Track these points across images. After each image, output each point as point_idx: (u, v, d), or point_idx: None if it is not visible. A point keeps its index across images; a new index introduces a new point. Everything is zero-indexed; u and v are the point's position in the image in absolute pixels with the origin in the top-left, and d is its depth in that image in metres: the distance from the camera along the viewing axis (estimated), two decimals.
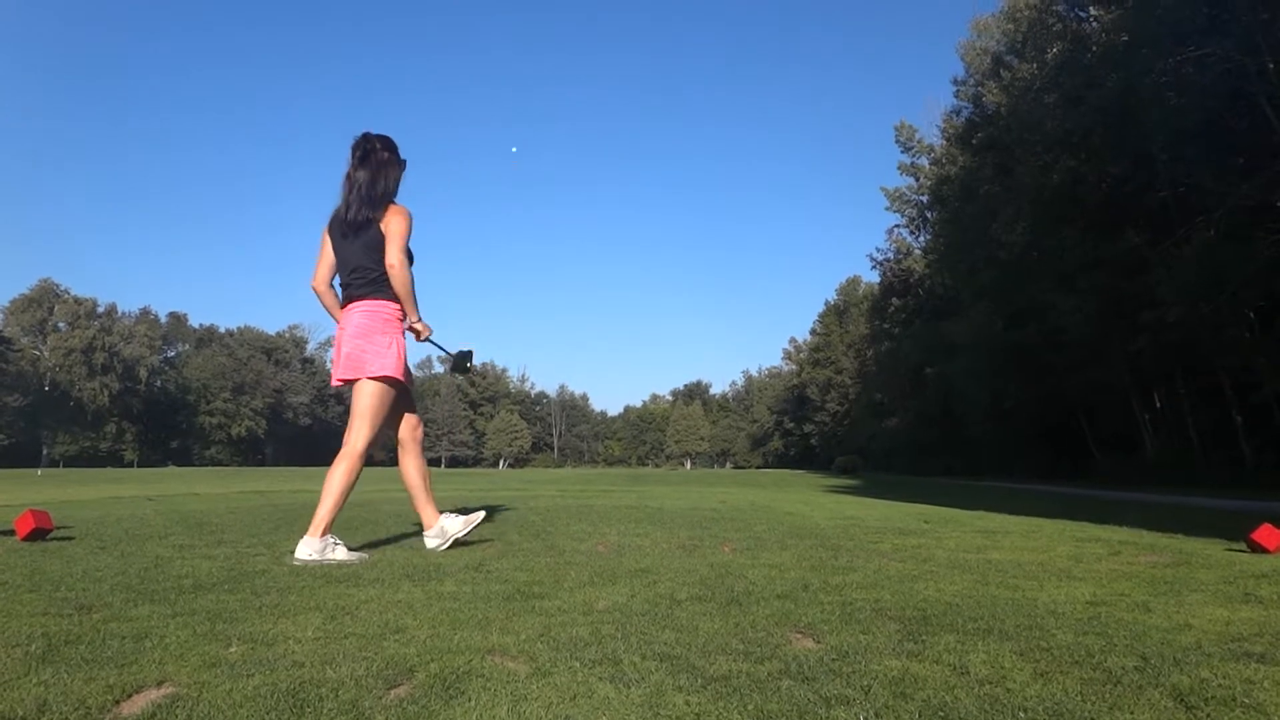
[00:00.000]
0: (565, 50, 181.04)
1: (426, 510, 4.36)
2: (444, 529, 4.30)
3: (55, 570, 3.50)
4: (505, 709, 1.73)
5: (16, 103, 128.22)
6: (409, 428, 4.41)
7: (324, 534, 3.93)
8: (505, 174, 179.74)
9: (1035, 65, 30.20)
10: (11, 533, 4.76)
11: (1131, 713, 1.72)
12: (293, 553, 3.92)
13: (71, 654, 2.12)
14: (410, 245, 4.21)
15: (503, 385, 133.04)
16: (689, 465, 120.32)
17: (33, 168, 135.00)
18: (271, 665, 2.03)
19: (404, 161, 4.32)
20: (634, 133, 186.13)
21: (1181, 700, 1.79)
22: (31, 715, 1.67)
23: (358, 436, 4.09)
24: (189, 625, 2.46)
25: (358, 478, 4.10)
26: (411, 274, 4.21)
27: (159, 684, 1.88)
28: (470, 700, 1.78)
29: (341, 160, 4.26)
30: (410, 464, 4.37)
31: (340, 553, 3.91)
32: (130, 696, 1.81)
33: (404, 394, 4.31)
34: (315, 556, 3.84)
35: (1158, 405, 29.46)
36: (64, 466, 76.42)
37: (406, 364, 4.28)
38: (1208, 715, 1.71)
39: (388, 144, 4.30)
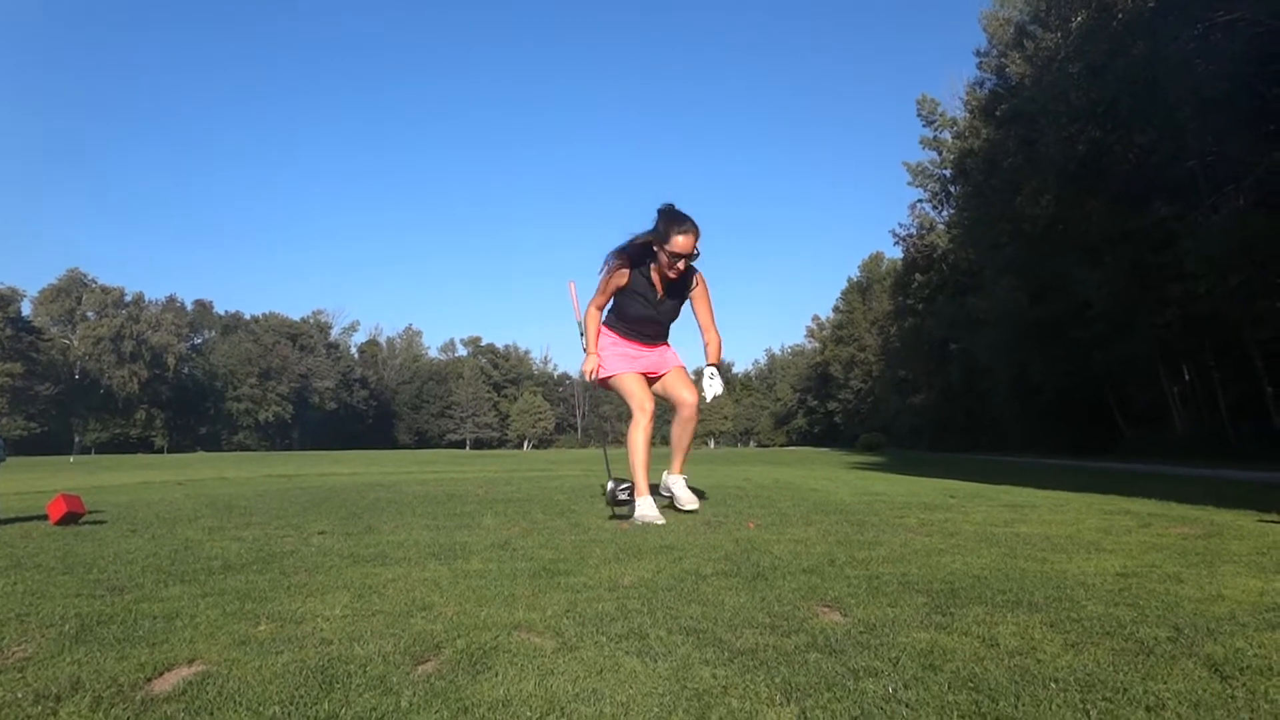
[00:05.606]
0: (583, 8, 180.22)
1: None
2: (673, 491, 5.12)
3: (88, 553, 3.55)
4: (532, 683, 1.73)
5: (44, 97, 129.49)
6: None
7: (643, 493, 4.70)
8: (523, 154, 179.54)
9: (1059, 34, 29.63)
10: (45, 517, 4.84)
11: (1165, 682, 1.70)
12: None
13: (104, 633, 2.14)
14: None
15: (525, 367, 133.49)
16: (713, 444, 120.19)
17: (58, 160, 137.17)
18: (300, 643, 2.04)
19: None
20: (656, 106, 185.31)
21: (1216, 670, 1.77)
22: (66, 693, 1.69)
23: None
24: (219, 605, 2.49)
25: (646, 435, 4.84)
26: (594, 313, 5.01)
27: (190, 662, 1.90)
28: (497, 675, 1.79)
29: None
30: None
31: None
32: (162, 674, 1.83)
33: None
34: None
35: (1186, 379, 29.01)
36: (96, 453, 77.64)
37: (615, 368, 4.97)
38: (1243, 685, 1.68)
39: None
